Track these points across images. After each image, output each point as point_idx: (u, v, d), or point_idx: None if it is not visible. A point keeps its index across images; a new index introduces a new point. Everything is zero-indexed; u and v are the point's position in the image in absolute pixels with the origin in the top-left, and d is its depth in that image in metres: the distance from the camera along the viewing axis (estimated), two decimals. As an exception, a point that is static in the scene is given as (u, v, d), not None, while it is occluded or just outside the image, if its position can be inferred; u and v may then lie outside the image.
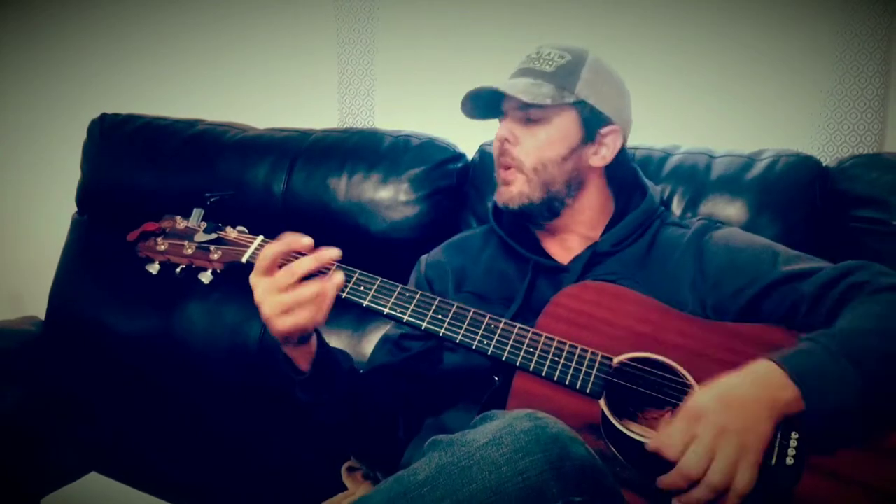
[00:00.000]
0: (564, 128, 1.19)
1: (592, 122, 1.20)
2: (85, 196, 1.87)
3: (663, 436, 0.88)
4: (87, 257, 1.84)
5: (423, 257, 1.33)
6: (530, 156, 1.18)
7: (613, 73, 1.24)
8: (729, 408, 0.88)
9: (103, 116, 1.88)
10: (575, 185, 1.21)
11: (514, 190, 1.19)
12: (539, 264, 1.20)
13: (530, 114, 1.18)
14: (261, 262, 0.98)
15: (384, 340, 1.28)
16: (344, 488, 1.24)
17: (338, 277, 0.99)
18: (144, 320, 1.72)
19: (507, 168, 1.19)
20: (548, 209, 1.21)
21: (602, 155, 1.22)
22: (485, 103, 1.21)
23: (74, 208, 1.90)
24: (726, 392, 0.90)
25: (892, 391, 0.90)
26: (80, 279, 1.83)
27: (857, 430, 0.91)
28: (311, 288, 0.96)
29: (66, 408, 1.66)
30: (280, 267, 0.98)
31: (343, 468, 1.27)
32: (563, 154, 1.19)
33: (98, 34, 2.19)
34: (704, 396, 0.90)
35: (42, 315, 1.87)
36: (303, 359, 1.05)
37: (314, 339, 1.05)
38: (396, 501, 0.77)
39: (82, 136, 1.88)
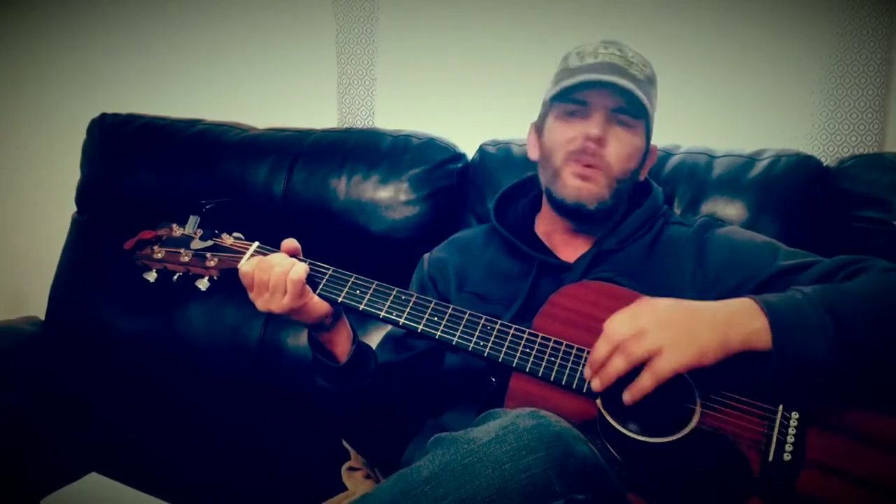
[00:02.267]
0: (640, 140, 1.18)
1: (648, 139, 1.20)
2: (85, 196, 1.87)
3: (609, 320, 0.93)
4: (87, 257, 1.84)
5: (426, 255, 1.32)
6: (619, 162, 1.15)
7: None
8: (680, 309, 0.92)
9: (103, 116, 1.88)
10: (628, 195, 1.21)
11: (596, 189, 1.14)
12: (543, 263, 1.19)
13: (621, 118, 1.15)
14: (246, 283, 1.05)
15: (387, 339, 1.28)
16: (344, 488, 1.24)
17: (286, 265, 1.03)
18: (145, 320, 1.73)
19: (590, 167, 1.14)
20: (607, 216, 1.19)
21: (645, 170, 1.24)
22: (568, 88, 1.15)
23: (74, 208, 1.90)
24: (687, 303, 0.94)
25: (865, 351, 0.91)
26: (80, 279, 1.83)
27: (823, 387, 0.91)
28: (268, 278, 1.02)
29: (65, 408, 1.66)
30: None
31: (343, 468, 1.27)
32: (637, 166, 1.19)
33: (98, 34, 2.19)
34: (659, 299, 0.94)
35: (42, 315, 1.87)
36: (341, 347, 1.08)
37: (348, 329, 1.09)
38: (399, 499, 0.77)
39: (82, 136, 1.88)
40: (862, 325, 0.91)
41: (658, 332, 0.90)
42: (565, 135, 1.16)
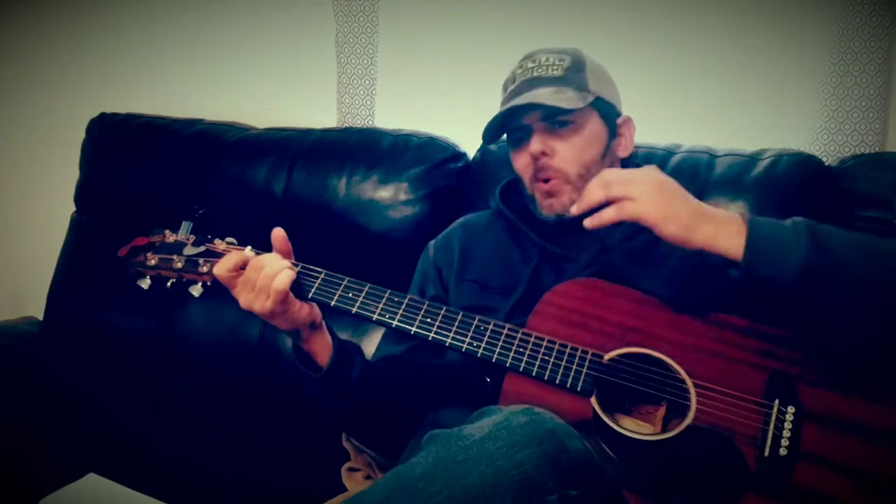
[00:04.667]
0: (592, 127, 1.18)
1: (610, 116, 1.21)
2: (84, 196, 1.87)
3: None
4: (86, 257, 1.84)
5: (432, 242, 1.33)
6: (573, 163, 1.16)
7: (602, 65, 1.24)
8: (676, 186, 0.98)
9: (103, 116, 1.88)
10: None
11: (566, 199, 1.16)
12: (546, 250, 1.19)
13: (559, 120, 1.16)
14: (221, 280, 1.05)
15: (391, 330, 1.28)
16: (344, 489, 1.24)
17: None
18: (144, 320, 1.72)
19: (548, 181, 1.16)
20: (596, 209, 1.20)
21: (625, 145, 1.24)
22: (497, 125, 1.20)
23: (74, 208, 1.90)
24: (683, 192, 0.98)
25: (835, 294, 0.91)
26: (79, 279, 1.83)
27: (781, 315, 0.93)
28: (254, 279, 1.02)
29: (65, 408, 1.66)
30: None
31: (343, 469, 1.26)
32: (600, 152, 1.19)
33: (98, 34, 2.19)
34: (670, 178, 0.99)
35: (41, 315, 1.87)
36: (321, 355, 1.08)
37: (327, 335, 1.09)
38: (394, 495, 0.77)
39: (82, 135, 1.88)
40: (838, 265, 0.91)
41: (641, 185, 0.96)
42: (521, 162, 1.20)
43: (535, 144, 1.16)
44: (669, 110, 1.64)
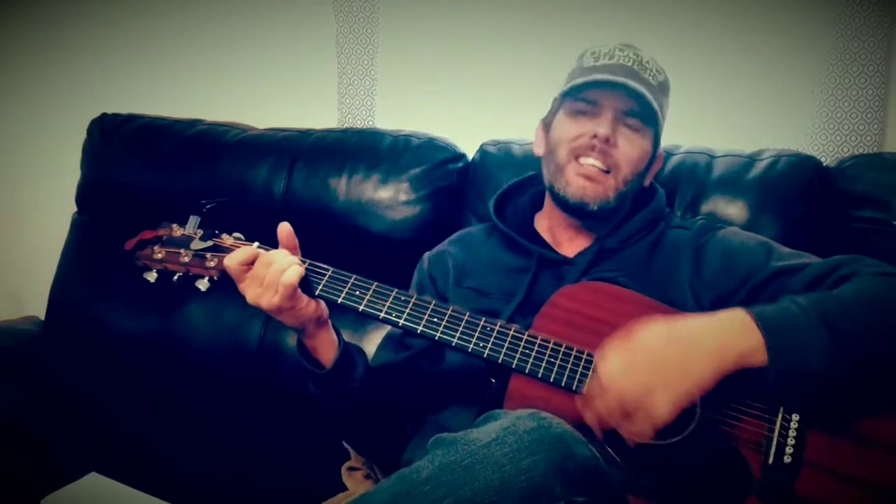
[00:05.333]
0: (648, 144, 1.18)
1: (656, 145, 1.21)
2: (85, 196, 1.87)
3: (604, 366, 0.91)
4: (87, 257, 1.84)
5: (427, 254, 1.33)
6: (628, 164, 1.15)
7: None
8: (674, 341, 0.90)
9: (103, 116, 1.88)
10: (631, 198, 1.21)
11: (601, 190, 1.15)
12: (544, 257, 1.19)
13: (630, 121, 1.15)
14: (230, 273, 1.04)
15: (388, 339, 1.28)
16: (344, 488, 1.24)
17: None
18: (144, 320, 1.72)
19: (595, 167, 1.14)
20: (610, 216, 1.19)
21: (650, 176, 1.24)
22: (581, 87, 1.15)
23: (74, 208, 1.90)
24: (676, 327, 0.92)
25: (862, 358, 0.91)
26: (80, 279, 1.83)
27: (823, 398, 0.91)
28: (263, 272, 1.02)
29: (66, 408, 1.66)
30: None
31: (343, 468, 1.27)
32: (643, 170, 1.19)
33: (98, 34, 2.18)
34: (653, 325, 0.92)
35: (42, 315, 1.87)
36: (326, 353, 1.08)
37: (332, 333, 1.09)
38: (399, 499, 0.77)
39: (82, 136, 1.88)
40: (857, 334, 0.91)
41: (650, 372, 0.89)
42: (571, 132, 1.16)
43: (606, 128, 1.13)
44: (668, 110, 1.64)
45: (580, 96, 1.16)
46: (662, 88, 1.18)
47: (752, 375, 0.90)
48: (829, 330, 0.90)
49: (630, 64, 1.15)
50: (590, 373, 0.96)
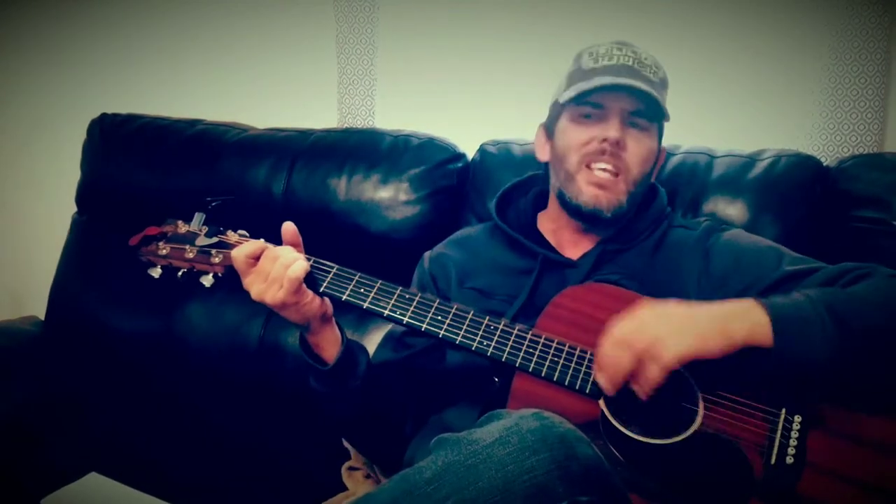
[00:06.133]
0: (655, 142, 1.18)
1: (660, 141, 1.21)
2: (85, 196, 1.87)
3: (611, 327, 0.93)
4: (87, 257, 1.84)
5: (427, 253, 1.33)
6: (637, 166, 1.15)
7: None
8: (681, 305, 0.93)
9: (103, 116, 1.88)
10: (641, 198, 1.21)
11: (614, 197, 1.14)
12: (547, 259, 1.19)
13: (637, 121, 1.15)
14: (237, 265, 1.04)
15: (388, 338, 1.28)
16: (344, 488, 1.24)
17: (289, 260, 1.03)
18: (144, 320, 1.72)
19: (606, 172, 1.14)
20: (622, 220, 1.19)
21: (656, 173, 1.24)
22: (587, 92, 1.14)
23: (74, 208, 1.90)
24: (690, 302, 0.94)
25: (867, 358, 0.91)
26: (80, 279, 1.83)
27: (822, 390, 0.91)
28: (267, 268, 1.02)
29: (65, 408, 1.66)
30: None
31: (343, 468, 1.27)
32: (651, 169, 1.19)
33: (98, 34, 2.19)
34: (657, 302, 0.95)
35: (42, 315, 1.87)
36: (329, 350, 1.08)
37: (336, 330, 1.09)
38: (401, 499, 0.77)
39: (82, 136, 1.88)
40: (863, 330, 0.91)
41: (658, 323, 0.92)
42: (580, 138, 1.16)
43: (615, 131, 1.13)
44: (668, 110, 1.64)
45: (585, 100, 1.15)
46: (663, 84, 1.18)
47: (754, 360, 0.91)
48: (835, 322, 0.90)
49: (630, 63, 1.15)
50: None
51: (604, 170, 1.14)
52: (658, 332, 0.90)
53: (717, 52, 1.62)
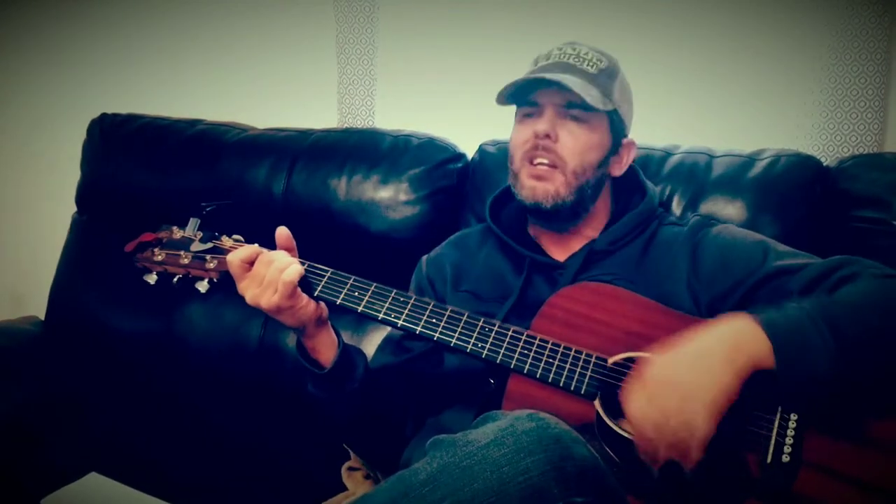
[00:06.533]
0: (601, 134, 1.18)
1: (618, 132, 1.21)
2: (85, 196, 1.87)
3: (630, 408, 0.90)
4: (87, 257, 1.84)
5: (424, 257, 1.33)
6: (574, 157, 1.15)
7: (630, 85, 1.24)
8: (691, 359, 0.89)
9: (103, 116, 1.88)
10: (597, 191, 1.21)
11: (551, 188, 1.15)
12: (535, 261, 1.20)
13: (573, 113, 1.16)
14: (232, 270, 1.05)
15: (386, 342, 1.28)
16: (344, 488, 1.24)
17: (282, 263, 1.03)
18: (145, 320, 1.73)
19: (543, 165, 1.15)
20: (573, 213, 1.19)
21: (619, 165, 1.23)
22: (518, 90, 1.17)
23: (74, 208, 1.90)
24: (683, 349, 0.91)
25: (868, 363, 0.91)
26: (80, 279, 1.83)
27: (830, 399, 0.91)
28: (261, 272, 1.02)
29: (66, 408, 1.66)
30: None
31: (343, 468, 1.27)
32: (599, 160, 1.19)
33: (98, 34, 2.19)
34: (659, 361, 0.91)
35: (42, 315, 1.87)
36: (325, 353, 1.08)
37: (332, 333, 1.09)
38: (398, 500, 0.77)
39: (82, 136, 1.88)
40: (861, 337, 0.91)
41: (672, 399, 0.87)
42: (521, 136, 1.18)
43: (544, 124, 1.15)
44: (667, 110, 1.64)
45: (525, 100, 1.18)
46: (607, 73, 1.18)
47: (759, 379, 0.90)
48: (834, 335, 0.90)
49: (566, 59, 1.17)
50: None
51: (541, 163, 1.15)
52: (676, 408, 0.87)
53: (716, 52, 1.62)
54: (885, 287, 0.97)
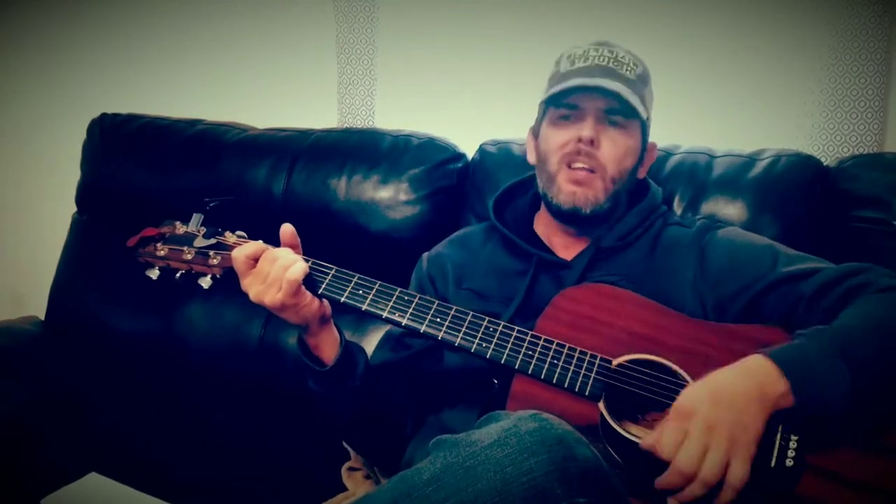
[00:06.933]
0: (635, 140, 1.18)
1: (645, 138, 1.21)
2: (85, 196, 1.87)
3: (656, 434, 0.88)
4: (87, 257, 1.84)
5: (425, 254, 1.33)
6: (613, 163, 1.15)
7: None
8: (719, 403, 0.88)
9: (103, 116, 1.88)
10: (626, 196, 1.22)
11: (591, 194, 1.15)
12: (542, 260, 1.19)
13: (614, 118, 1.16)
14: (236, 266, 1.04)
15: (386, 338, 1.28)
16: (344, 488, 1.24)
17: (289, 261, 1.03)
18: (145, 320, 1.72)
19: (583, 170, 1.15)
20: (605, 219, 1.19)
21: (644, 168, 1.24)
22: (562, 94, 1.16)
23: (74, 208, 1.90)
24: (716, 387, 0.90)
25: (883, 391, 0.90)
26: (80, 279, 1.83)
27: (848, 428, 0.90)
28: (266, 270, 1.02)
29: (66, 408, 1.66)
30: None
31: (343, 468, 1.27)
32: (633, 165, 1.19)
33: (98, 34, 2.19)
34: (695, 392, 0.90)
35: (42, 315, 1.87)
36: (327, 351, 1.08)
37: (335, 331, 1.09)
38: (400, 500, 0.77)
39: (82, 136, 1.88)
40: (875, 362, 0.90)
41: (712, 440, 0.86)
42: (559, 139, 1.17)
43: (588, 130, 1.14)
44: (668, 110, 1.62)
45: (562, 102, 1.17)
46: (642, 79, 1.19)
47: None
48: (848, 365, 0.89)
49: (605, 63, 1.16)
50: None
51: (581, 168, 1.15)
52: (719, 451, 0.85)
53: (716, 52, 1.62)
54: (890, 301, 0.97)
